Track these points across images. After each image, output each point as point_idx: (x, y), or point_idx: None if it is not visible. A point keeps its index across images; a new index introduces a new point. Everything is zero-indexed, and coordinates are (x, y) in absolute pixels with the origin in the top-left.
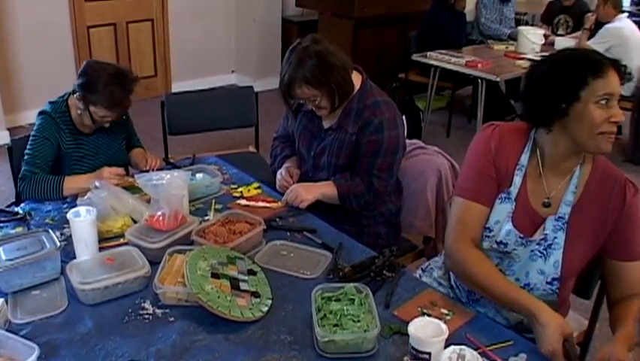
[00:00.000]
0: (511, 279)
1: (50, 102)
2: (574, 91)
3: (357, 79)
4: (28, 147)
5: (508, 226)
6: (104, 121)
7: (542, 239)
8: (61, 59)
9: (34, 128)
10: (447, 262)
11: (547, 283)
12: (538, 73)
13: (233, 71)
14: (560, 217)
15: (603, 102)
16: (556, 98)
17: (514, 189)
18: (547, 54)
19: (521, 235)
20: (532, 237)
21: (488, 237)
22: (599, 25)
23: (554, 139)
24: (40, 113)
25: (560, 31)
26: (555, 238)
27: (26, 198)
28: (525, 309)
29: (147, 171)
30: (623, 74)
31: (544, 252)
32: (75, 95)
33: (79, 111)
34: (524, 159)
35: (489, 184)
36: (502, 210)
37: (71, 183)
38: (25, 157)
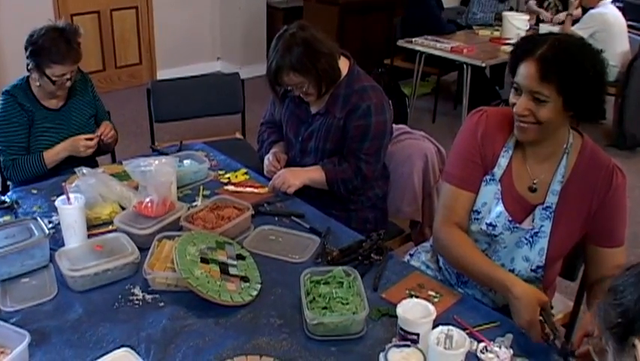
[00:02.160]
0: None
1: (10, 84)
2: (512, 67)
3: (344, 64)
4: None
5: (500, 207)
6: (63, 80)
7: (530, 228)
8: None
9: None
10: (434, 245)
11: (531, 270)
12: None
13: (218, 59)
14: (547, 207)
15: (514, 87)
16: (509, 63)
17: (498, 170)
18: None
19: (510, 219)
20: (521, 224)
21: (477, 219)
22: (584, 10)
23: None
24: (2, 93)
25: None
26: (542, 226)
27: (18, 183)
28: (500, 284)
29: (98, 137)
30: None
31: (531, 239)
32: (29, 68)
33: (37, 83)
34: (511, 142)
35: (475, 171)
36: (489, 192)
37: (51, 156)
38: (0, 147)
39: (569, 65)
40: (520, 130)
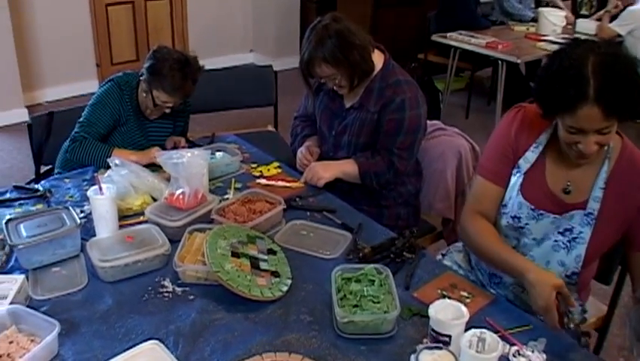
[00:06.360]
0: None
1: (125, 73)
2: (554, 109)
3: (379, 58)
4: (87, 109)
5: (519, 198)
6: (164, 106)
7: (567, 230)
8: (79, 38)
9: (98, 92)
10: (460, 234)
11: (566, 275)
12: (540, 74)
13: (251, 51)
14: (589, 213)
15: (572, 130)
16: (545, 104)
17: (523, 163)
18: (567, 37)
19: (532, 207)
20: (553, 214)
21: (505, 213)
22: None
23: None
24: (109, 80)
25: (584, 11)
26: (581, 232)
27: (72, 160)
28: (515, 269)
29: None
30: (622, 109)
31: (568, 244)
32: (142, 77)
33: (144, 93)
34: (543, 138)
35: (506, 166)
36: (515, 185)
37: (120, 155)
38: (82, 119)
39: (625, 88)
40: (579, 157)
